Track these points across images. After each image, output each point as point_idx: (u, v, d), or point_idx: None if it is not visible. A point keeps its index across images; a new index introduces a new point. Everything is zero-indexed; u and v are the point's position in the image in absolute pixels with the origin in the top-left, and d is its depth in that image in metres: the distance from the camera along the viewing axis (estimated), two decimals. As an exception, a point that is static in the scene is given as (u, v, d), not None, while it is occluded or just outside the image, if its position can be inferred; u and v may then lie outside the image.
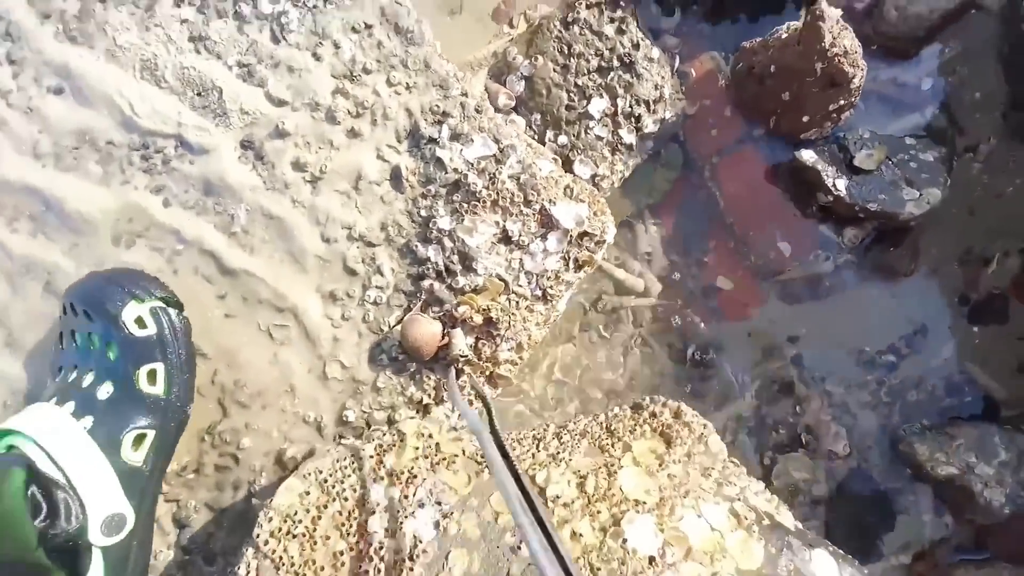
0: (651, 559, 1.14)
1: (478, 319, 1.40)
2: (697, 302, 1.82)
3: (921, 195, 1.50)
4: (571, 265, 1.45)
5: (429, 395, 1.48)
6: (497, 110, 1.67)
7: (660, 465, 1.36)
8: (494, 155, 1.44)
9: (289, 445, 1.49)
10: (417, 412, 1.49)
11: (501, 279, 1.41)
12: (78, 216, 1.51)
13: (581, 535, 1.19)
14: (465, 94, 1.47)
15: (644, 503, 1.25)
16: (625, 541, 1.16)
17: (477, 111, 1.46)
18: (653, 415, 1.48)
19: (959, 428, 1.60)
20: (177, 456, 1.48)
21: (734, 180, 1.72)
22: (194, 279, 1.51)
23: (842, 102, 1.51)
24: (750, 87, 1.60)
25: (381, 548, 1.18)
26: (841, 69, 1.42)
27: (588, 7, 1.64)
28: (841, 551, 1.32)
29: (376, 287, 1.48)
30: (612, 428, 1.46)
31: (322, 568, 1.15)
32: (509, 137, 1.45)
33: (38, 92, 1.53)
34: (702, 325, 1.82)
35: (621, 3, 1.64)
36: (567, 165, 1.65)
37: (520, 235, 1.42)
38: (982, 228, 1.68)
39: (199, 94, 1.51)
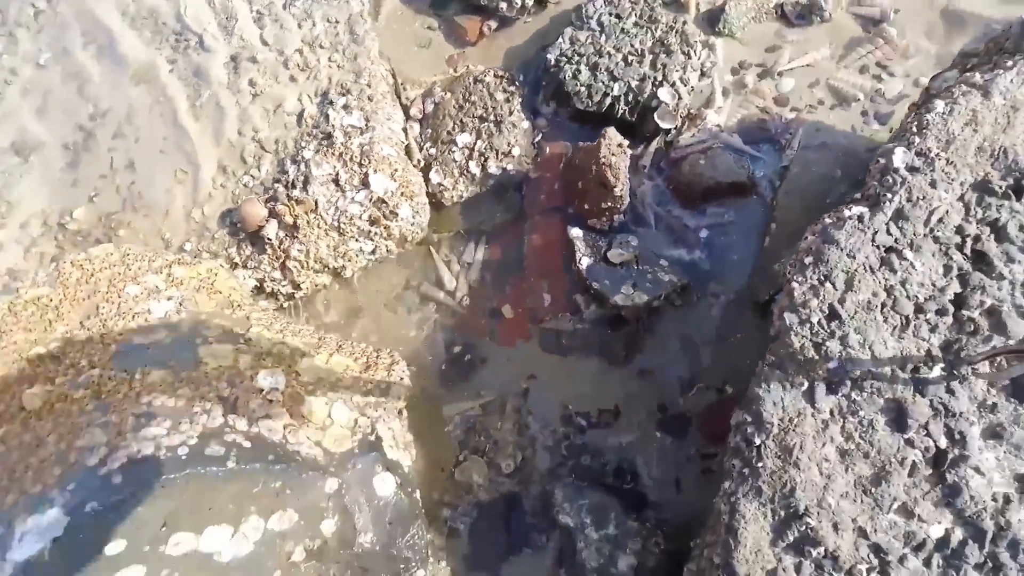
0: (261, 389, 1.60)
1: (289, 220, 1.97)
2: (484, 317, 2.26)
3: (631, 295, 1.89)
4: (365, 217, 1.99)
5: (239, 259, 2.04)
6: (408, 116, 2.30)
7: (342, 372, 1.82)
8: (360, 127, 2.05)
9: (145, 248, 2.11)
10: (229, 265, 2.05)
11: (315, 202, 1.98)
12: (123, 55, 2.30)
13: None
14: (369, 85, 2.11)
15: (308, 383, 1.72)
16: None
17: (369, 99, 2.09)
18: (378, 355, 1.95)
19: (592, 493, 1.89)
20: (81, 217, 2.16)
21: (539, 235, 2.19)
22: (160, 120, 2.22)
23: (610, 204, 1.97)
24: (569, 173, 2.11)
25: (121, 303, 1.74)
26: (605, 175, 1.90)
27: (495, 76, 2.25)
28: (406, 473, 1.70)
29: (251, 176, 2.11)
30: (342, 346, 1.94)
31: (72, 299, 1.73)
32: (377, 122, 2.06)
33: (145, -21, 2.37)
34: (478, 335, 2.25)
35: (516, 83, 2.23)
36: (427, 169, 2.22)
37: (345, 182, 2.00)
38: (701, 359, 2.01)
39: (226, 18, 2.27)
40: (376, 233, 2.05)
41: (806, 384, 1.44)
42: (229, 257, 2.05)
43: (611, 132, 1.89)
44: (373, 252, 2.15)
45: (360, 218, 1.99)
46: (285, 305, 2.25)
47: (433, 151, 2.24)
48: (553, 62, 2.13)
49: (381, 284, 2.37)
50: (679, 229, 2.09)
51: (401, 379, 1.94)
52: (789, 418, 1.43)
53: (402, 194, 2.02)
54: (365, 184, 1.99)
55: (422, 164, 2.22)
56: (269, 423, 1.54)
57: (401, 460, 1.76)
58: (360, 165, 2.01)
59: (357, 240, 2.04)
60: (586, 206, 2.03)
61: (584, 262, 1.96)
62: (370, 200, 1.98)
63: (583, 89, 2.08)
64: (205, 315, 1.81)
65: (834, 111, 2.05)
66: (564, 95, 2.15)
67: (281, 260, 2.01)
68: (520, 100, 2.23)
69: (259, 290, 2.12)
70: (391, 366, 1.96)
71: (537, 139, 2.24)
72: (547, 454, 2.06)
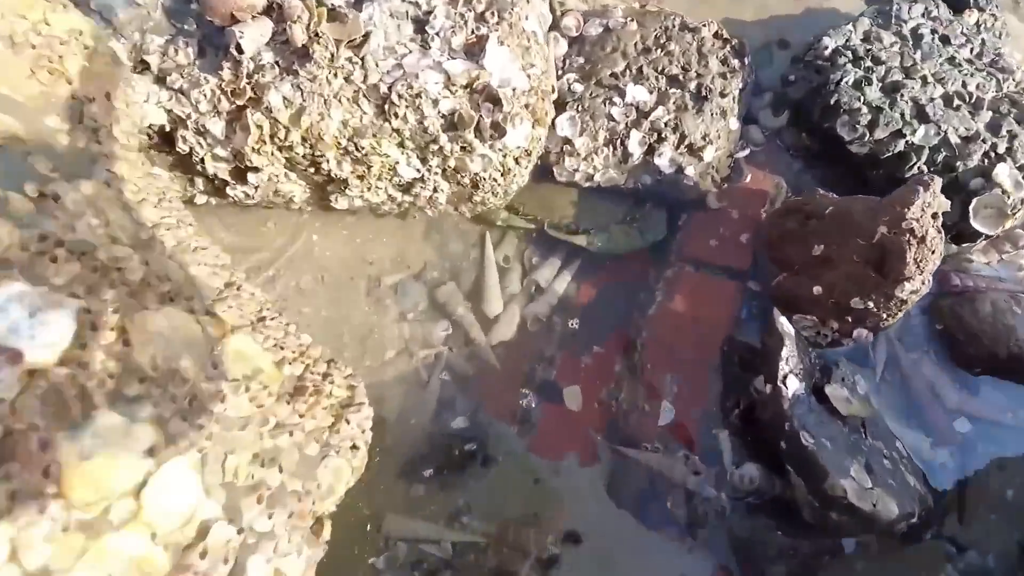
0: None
1: (299, 34, 0.94)
2: (523, 388, 1.24)
3: (873, 495, 0.93)
4: (445, 106, 0.98)
5: (159, 60, 0.97)
6: (555, 26, 1.37)
7: (246, 377, 0.74)
8: (505, -30, 1.09)
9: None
10: (133, 60, 0.97)
11: (366, 34, 0.97)
12: None
13: None
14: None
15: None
16: None
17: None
18: (328, 372, 0.89)
19: None
20: None
21: (686, 299, 1.23)
22: None
23: (870, 304, 1.05)
24: (789, 222, 1.19)
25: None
26: (901, 248, 0.99)
27: (715, 35, 1.38)
28: None
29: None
30: (265, 319, 0.87)
31: None
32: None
33: None
34: (500, 414, 1.22)
35: (744, 60, 1.37)
36: (559, 108, 1.27)
37: (437, 33, 1.00)
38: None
39: None
40: (441, 153, 1.03)
41: None
42: (140, 47, 0.97)
43: (937, 186, 1.00)
44: (408, 189, 1.12)
45: (434, 103, 0.98)
46: (197, 199, 1.16)
47: (578, 88, 1.29)
48: (828, 53, 1.28)
49: (377, 252, 1.32)
50: (924, 398, 1.18)
51: (353, 446, 0.86)
52: None
53: (527, 105, 1.04)
54: (473, 53, 1.00)
55: (553, 98, 1.26)
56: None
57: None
58: (480, 19, 1.02)
59: (402, 144, 1.02)
60: (816, 289, 1.10)
61: (791, 384, 1.00)
62: (468, 83, 0.99)
63: (863, 111, 1.22)
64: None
65: None
66: (819, 109, 1.29)
67: (241, 101, 0.95)
68: (740, 87, 1.35)
69: (163, 141, 1.03)
70: (347, 408, 0.88)
71: (741, 154, 1.35)
72: None
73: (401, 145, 1.03)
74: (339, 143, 0.99)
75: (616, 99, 1.27)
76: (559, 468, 1.18)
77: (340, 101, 0.96)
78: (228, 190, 1.12)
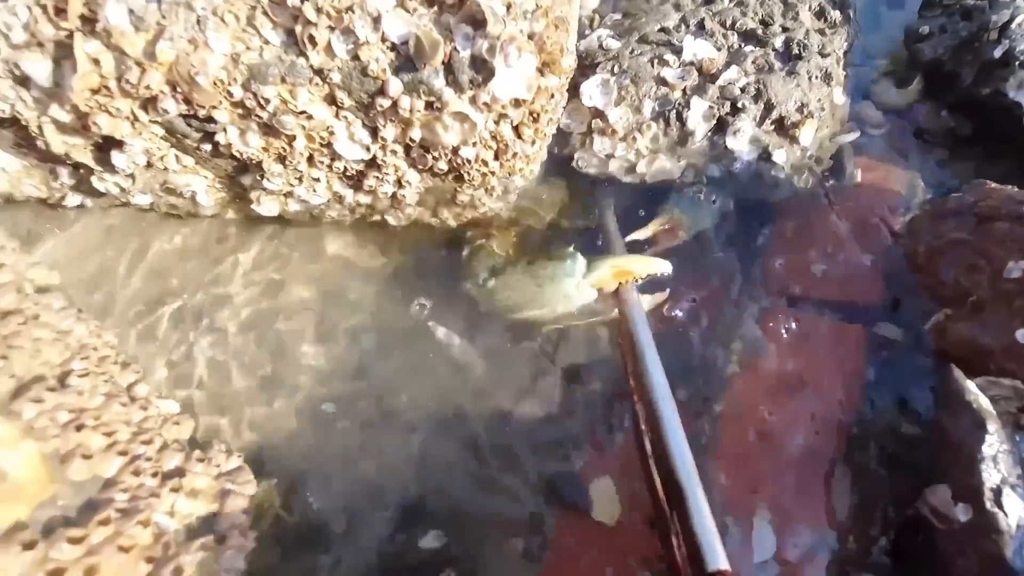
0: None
1: None
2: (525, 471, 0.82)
3: None
4: (394, 33, 0.60)
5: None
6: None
7: None
8: None
9: None
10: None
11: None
12: None
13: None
14: None
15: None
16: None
17: None
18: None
19: None
20: None
21: (782, 354, 0.80)
22: None
23: None
24: (953, 230, 0.76)
25: None
26: None
27: (806, -21, 0.99)
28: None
29: None
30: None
31: None
32: None
33: None
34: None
35: (848, 11, 0.97)
36: (586, 70, 0.88)
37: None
38: None
39: None
40: (396, 114, 0.65)
41: None
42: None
43: None
44: (360, 183, 0.75)
45: (375, 22, 0.60)
46: (68, 199, 0.81)
47: (613, 44, 0.91)
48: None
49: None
50: None
51: None
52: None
53: (530, 35, 0.66)
54: (467, 22, 0.64)
55: (572, 37, 0.88)
56: None
57: None
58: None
59: (333, 99, 0.65)
60: (1022, 335, 0.65)
61: (1014, 508, 0.55)
62: (448, 70, 0.61)
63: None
64: None
65: None
66: (974, 69, 0.87)
67: (69, 22, 0.60)
68: (845, 48, 0.95)
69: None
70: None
71: (848, 138, 0.93)
72: None
73: (332, 100, 0.65)
74: (228, 92, 0.62)
75: (668, 56, 0.88)
76: None
77: (223, 19, 0.59)
78: (95, 182, 0.77)
